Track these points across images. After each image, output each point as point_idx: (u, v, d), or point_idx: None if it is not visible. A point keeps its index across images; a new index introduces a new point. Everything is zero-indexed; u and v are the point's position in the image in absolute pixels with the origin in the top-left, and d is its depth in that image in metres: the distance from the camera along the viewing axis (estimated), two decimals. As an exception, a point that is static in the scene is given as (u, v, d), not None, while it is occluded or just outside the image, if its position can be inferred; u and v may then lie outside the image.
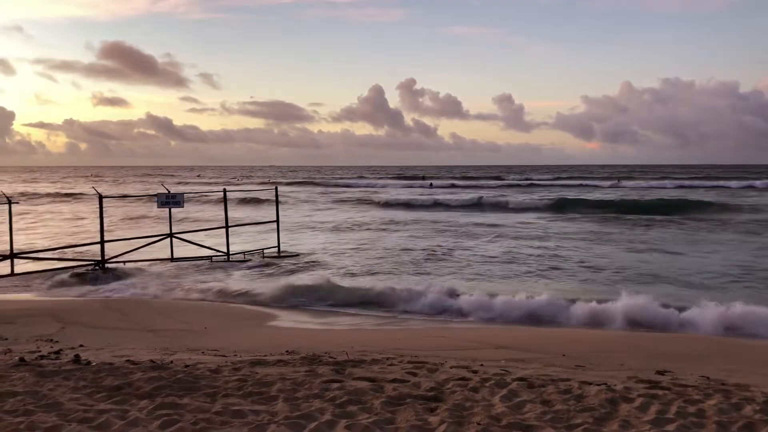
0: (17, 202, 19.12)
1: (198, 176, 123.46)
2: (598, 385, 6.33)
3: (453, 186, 74.09)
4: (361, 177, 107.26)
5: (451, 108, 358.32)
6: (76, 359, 7.57)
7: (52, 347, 8.91)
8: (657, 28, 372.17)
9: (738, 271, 16.79)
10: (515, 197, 48.04)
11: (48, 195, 57.87)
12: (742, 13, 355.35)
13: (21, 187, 70.65)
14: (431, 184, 77.52)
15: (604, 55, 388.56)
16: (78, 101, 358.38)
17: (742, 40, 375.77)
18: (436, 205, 44.84)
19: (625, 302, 12.00)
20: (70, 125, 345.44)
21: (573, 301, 12.65)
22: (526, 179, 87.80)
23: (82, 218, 35.05)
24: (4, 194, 17.97)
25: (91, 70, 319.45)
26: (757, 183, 65.53)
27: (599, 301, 12.41)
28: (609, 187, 68.60)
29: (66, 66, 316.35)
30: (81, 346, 9.08)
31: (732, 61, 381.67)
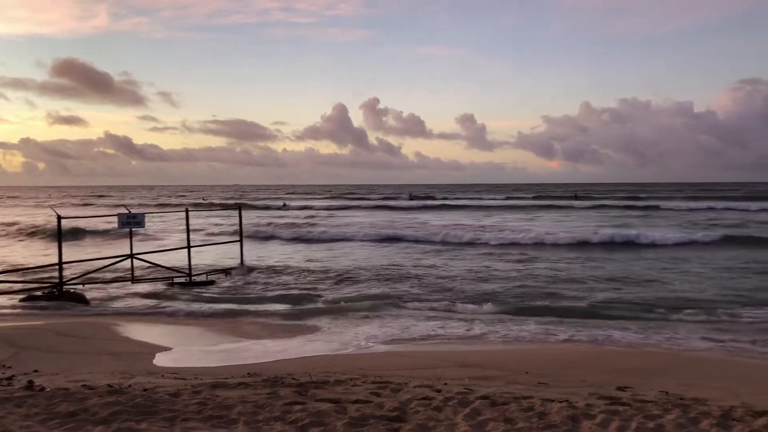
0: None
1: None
2: (560, 402, 6.38)
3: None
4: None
5: (415, 127, 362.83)
6: (29, 385, 7.33)
7: (3, 373, 8.61)
8: (613, 50, 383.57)
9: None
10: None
11: None
12: (695, 36, 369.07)
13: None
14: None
15: (564, 75, 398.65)
16: (33, 120, 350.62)
17: (695, 61, 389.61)
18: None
19: None
20: (26, 144, 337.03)
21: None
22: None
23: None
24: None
25: (45, 89, 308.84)
26: None
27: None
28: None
29: (18, 84, 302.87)
30: (35, 371, 8.80)
31: (686, 82, 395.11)
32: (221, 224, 41.09)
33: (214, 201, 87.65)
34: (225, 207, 64.31)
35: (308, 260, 24.92)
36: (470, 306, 15.13)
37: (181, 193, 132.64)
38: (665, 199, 74.22)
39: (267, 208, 69.16)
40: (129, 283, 18.79)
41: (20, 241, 35.72)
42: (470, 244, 30.84)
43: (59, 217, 17.96)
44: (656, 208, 59.33)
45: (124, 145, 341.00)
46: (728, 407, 6.31)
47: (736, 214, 50.03)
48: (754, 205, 57.09)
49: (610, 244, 29.51)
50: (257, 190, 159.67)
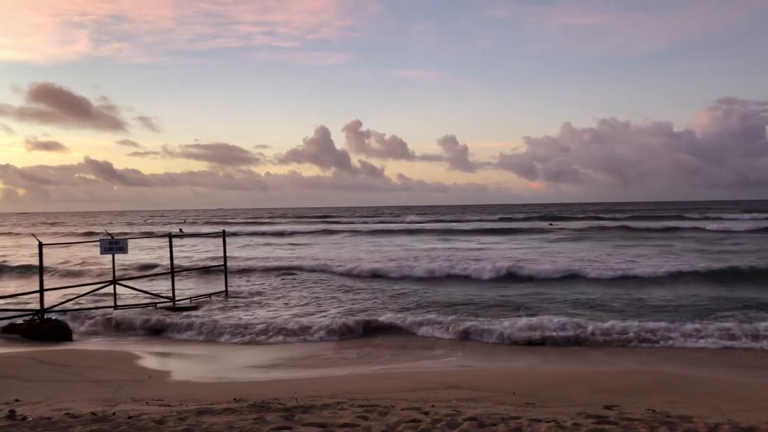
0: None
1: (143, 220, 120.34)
2: (548, 422, 6.38)
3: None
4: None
5: (398, 149, 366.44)
6: (11, 415, 7.21)
7: (-16, 403, 8.46)
8: (593, 71, 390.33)
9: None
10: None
11: None
12: (672, 58, 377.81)
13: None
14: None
15: (544, 97, 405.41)
16: (12, 146, 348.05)
17: (673, 82, 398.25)
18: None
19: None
20: (4, 170, 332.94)
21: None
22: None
23: None
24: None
25: (23, 114, 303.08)
26: None
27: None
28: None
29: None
30: (16, 400, 8.65)
31: (665, 102, 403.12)
32: (189, 254, 40.48)
33: (184, 228, 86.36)
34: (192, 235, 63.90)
35: (291, 287, 24.82)
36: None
37: (155, 218, 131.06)
38: (639, 219, 74.59)
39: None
40: (111, 309, 18.57)
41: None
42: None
43: (41, 244, 17.78)
44: (628, 228, 59.15)
45: (105, 170, 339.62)
46: (714, 424, 6.35)
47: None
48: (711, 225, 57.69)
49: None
50: (239, 214, 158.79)
